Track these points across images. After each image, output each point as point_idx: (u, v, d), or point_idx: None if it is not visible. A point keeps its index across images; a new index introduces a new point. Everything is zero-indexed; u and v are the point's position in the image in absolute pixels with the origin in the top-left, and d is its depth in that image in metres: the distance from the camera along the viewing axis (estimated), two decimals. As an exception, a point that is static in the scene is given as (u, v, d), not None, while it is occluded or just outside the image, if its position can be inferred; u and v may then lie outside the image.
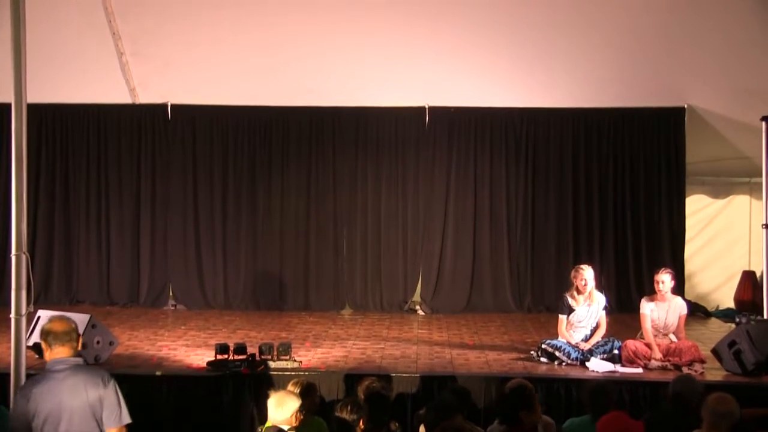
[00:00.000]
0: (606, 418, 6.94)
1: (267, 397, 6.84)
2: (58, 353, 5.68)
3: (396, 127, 14.92)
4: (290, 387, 7.58)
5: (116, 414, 5.66)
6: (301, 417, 6.79)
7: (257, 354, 9.59)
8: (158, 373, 9.37)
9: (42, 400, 5.56)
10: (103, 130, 15.04)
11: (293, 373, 9.27)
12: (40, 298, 14.23)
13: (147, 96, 14.73)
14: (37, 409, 5.54)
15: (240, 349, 9.65)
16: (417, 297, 14.94)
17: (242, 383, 9.27)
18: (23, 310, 7.99)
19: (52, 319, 5.92)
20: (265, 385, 8.95)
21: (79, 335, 5.83)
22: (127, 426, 5.74)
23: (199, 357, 10.21)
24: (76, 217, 15.07)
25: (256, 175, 14.99)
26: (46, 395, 5.57)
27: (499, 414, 6.97)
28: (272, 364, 9.51)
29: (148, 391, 9.08)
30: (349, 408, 6.81)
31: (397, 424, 7.36)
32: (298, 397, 6.84)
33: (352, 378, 9.09)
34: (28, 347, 8.86)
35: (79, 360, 5.75)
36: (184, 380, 9.41)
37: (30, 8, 8.06)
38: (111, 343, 10.01)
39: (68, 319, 5.90)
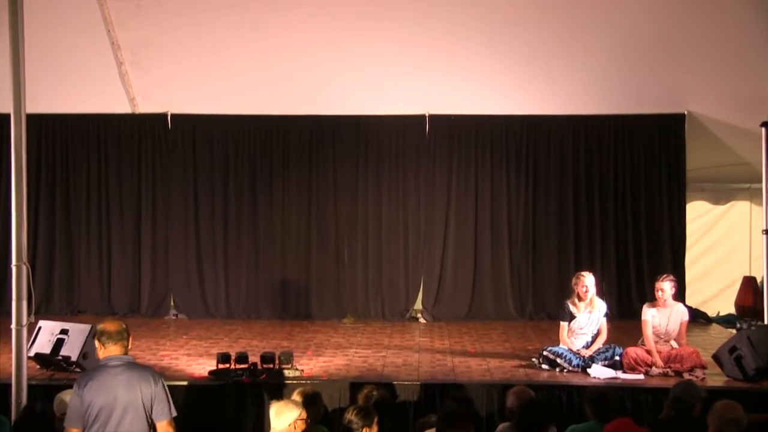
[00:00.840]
0: (612, 425, 6.93)
1: (269, 406, 6.86)
2: (112, 351, 6.18)
3: (396, 135, 14.94)
4: (295, 396, 7.60)
5: (166, 408, 6.19)
6: (304, 426, 6.78)
7: (259, 363, 9.59)
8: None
9: (98, 393, 6.03)
10: (103, 140, 15.06)
11: (295, 381, 9.26)
12: (41, 309, 14.24)
13: (147, 106, 14.76)
14: (92, 401, 6.02)
15: (242, 358, 9.65)
16: (418, 305, 14.93)
17: (244, 392, 9.27)
18: (24, 321, 8.02)
19: (105, 320, 6.48)
20: (267, 394, 8.97)
21: (129, 335, 6.33)
22: (174, 419, 6.26)
23: (201, 366, 10.20)
24: (77, 227, 15.08)
25: (256, 184, 15.00)
26: (103, 389, 6.05)
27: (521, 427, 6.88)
28: (287, 373, 9.52)
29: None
30: (356, 413, 6.80)
31: None
32: (297, 407, 6.83)
33: (355, 386, 9.08)
34: (29, 358, 8.88)
35: (131, 358, 6.31)
36: (186, 390, 9.39)
37: (29, 19, 8.10)
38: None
39: (119, 321, 6.44)
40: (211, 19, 13.08)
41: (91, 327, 9.74)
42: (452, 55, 13.44)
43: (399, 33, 13.11)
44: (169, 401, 6.23)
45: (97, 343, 6.26)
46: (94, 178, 15.07)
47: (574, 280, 10.44)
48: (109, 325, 6.30)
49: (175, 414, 6.26)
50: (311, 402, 7.49)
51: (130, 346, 6.30)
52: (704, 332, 13.45)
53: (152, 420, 6.15)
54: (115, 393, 6.04)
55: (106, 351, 6.20)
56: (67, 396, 7.48)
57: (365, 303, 14.94)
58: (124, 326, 6.28)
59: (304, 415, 6.80)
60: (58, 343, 9.69)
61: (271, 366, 9.56)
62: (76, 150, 15.08)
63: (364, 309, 14.90)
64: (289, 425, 6.69)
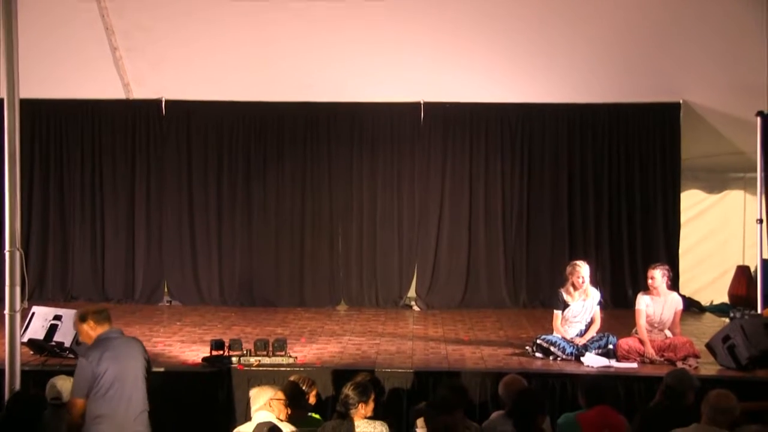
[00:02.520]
0: (591, 413, 6.97)
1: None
2: (106, 326, 6.97)
3: (391, 122, 14.91)
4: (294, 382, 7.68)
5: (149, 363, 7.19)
6: (282, 406, 6.85)
7: (253, 350, 9.59)
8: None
9: (112, 363, 6.77)
10: (97, 125, 15.00)
11: (289, 368, 9.27)
12: (34, 295, 14.33)
13: (141, 92, 14.70)
14: (106, 371, 6.73)
15: (235, 344, 9.65)
16: (412, 293, 14.93)
17: (238, 379, 9.27)
18: (17, 307, 8.02)
19: (84, 307, 7.40)
20: (262, 380, 8.98)
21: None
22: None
23: (195, 353, 10.20)
24: (70, 213, 15.04)
25: (251, 171, 14.97)
26: (116, 359, 6.81)
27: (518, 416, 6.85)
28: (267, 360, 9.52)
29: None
30: (355, 387, 6.83)
31: None
32: (273, 389, 6.91)
33: (347, 374, 9.07)
34: (22, 343, 8.88)
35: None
36: (179, 376, 9.40)
37: (23, 4, 8.06)
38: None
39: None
40: (206, 5, 13.06)
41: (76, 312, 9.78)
42: (447, 43, 13.42)
43: (394, 20, 13.08)
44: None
45: (87, 325, 6.95)
46: (87, 164, 15.02)
47: (569, 269, 10.43)
48: (93, 307, 7.37)
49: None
50: (303, 390, 7.52)
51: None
52: (698, 321, 13.48)
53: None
54: (126, 362, 6.86)
55: (101, 327, 6.94)
56: (59, 381, 7.53)
57: (359, 290, 14.93)
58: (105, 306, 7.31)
59: (280, 395, 6.85)
60: (52, 329, 9.72)
61: (265, 353, 9.56)
62: (70, 136, 15.03)
63: (358, 296, 14.89)
64: (265, 404, 6.74)
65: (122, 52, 13.88)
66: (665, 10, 12.66)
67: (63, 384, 7.55)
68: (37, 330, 9.79)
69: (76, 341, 9.48)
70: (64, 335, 9.62)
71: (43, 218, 15.03)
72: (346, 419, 6.79)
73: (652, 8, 12.65)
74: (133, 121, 14.98)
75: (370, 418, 6.87)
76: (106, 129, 15.01)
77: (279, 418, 6.91)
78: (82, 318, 6.99)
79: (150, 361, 7.23)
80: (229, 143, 14.98)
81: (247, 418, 7.31)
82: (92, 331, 6.93)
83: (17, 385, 8.03)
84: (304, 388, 7.75)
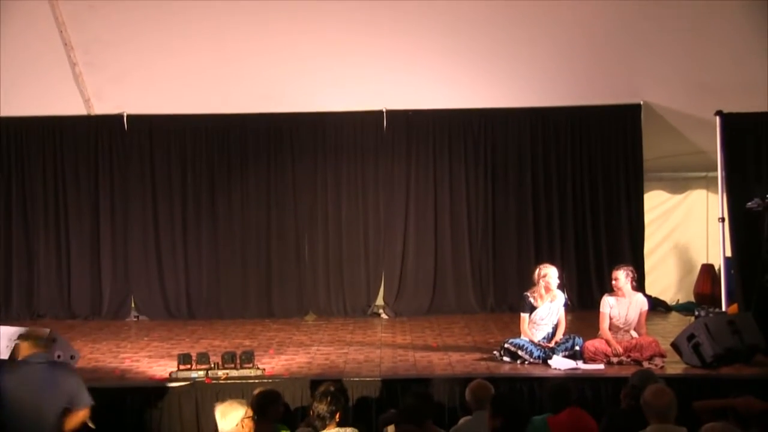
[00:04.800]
0: (561, 415, 7.00)
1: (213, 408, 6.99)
2: (35, 350, 6.80)
3: (354, 131, 14.92)
4: (254, 394, 7.60)
5: (86, 396, 6.83)
6: (252, 424, 6.79)
7: (220, 363, 9.56)
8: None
9: (19, 386, 6.55)
10: (59, 142, 14.91)
11: (257, 380, 9.25)
12: (0, 314, 14.16)
13: (102, 107, 14.61)
14: (12, 393, 6.52)
15: (203, 358, 9.62)
16: (380, 301, 14.93)
17: (205, 393, 9.23)
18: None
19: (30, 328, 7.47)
20: (230, 393, 8.95)
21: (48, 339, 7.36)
22: (92, 408, 6.92)
23: (162, 368, 10.15)
24: (34, 231, 14.91)
25: (215, 184, 14.92)
26: (25, 383, 6.57)
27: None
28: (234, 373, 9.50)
29: (111, 403, 8.98)
30: (328, 399, 6.82)
31: None
32: (242, 405, 6.85)
33: (316, 384, 9.05)
34: (-12, 363, 8.80)
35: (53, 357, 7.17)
36: (146, 392, 9.35)
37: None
38: (72, 357, 9.90)
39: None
40: (164, 17, 13.00)
41: (50, 331, 9.68)
42: (408, 51, 13.44)
43: (354, 30, 13.11)
44: (86, 390, 6.85)
45: (23, 343, 6.86)
46: (50, 181, 14.91)
47: (537, 273, 10.49)
48: (35, 329, 7.46)
49: (92, 403, 6.89)
50: (270, 401, 7.48)
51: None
52: (664, 320, 13.58)
53: (70, 409, 6.71)
54: (36, 387, 6.59)
55: (30, 350, 6.79)
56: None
57: (327, 300, 14.90)
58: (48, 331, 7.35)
59: (250, 413, 6.81)
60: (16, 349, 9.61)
61: (233, 366, 9.54)
62: (32, 153, 14.91)
63: (325, 306, 14.86)
64: (237, 425, 6.69)
65: (81, 67, 13.80)
66: (623, 14, 12.74)
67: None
68: (1, 350, 9.68)
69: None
70: (29, 354, 9.53)
71: (6, 236, 14.88)
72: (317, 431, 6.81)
73: (608, 12, 12.71)
74: (95, 137, 14.88)
75: (340, 425, 6.87)
76: (68, 145, 14.91)
77: None
78: (25, 337, 7.03)
79: (79, 396, 6.79)
80: (192, 156, 14.93)
81: (216, 435, 7.22)
82: (23, 351, 6.87)
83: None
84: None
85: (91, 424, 7.46)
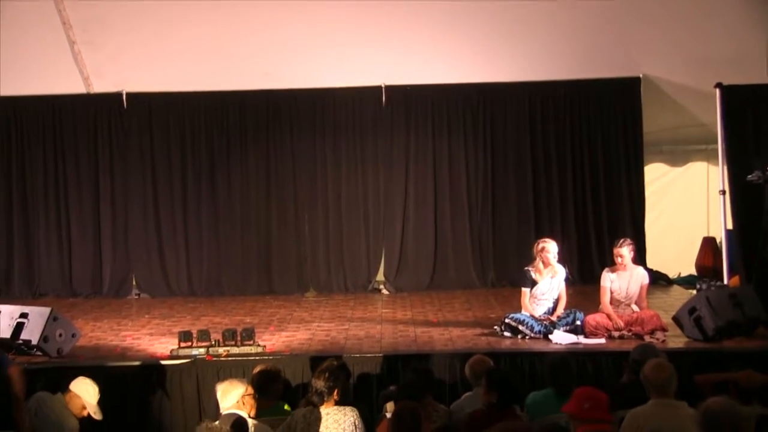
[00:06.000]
0: (579, 393, 6.95)
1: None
2: None
3: (353, 107, 14.88)
4: (255, 372, 7.62)
5: None
6: (252, 401, 6.80)
7: (221, 340, 9.56)
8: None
9: None
10: (58, 121, 14.89)
11: (258, 357, 9.25)
12: (1, 293, 14.22)
13: (101, 85, 14.60)
14: None
15: (203, 335, 9.62)
16: (381, 276, 14.92)
17: (206, 370, 9.24)
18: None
19: None
20: (231, 371, 8.96)
21: None
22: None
23: (163, 345, 10.15)
24: (35, 210, 14.92)
25: (214, 161, 14.90)
26: None
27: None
28: (235, 350, 9.49)
29: (112, 381, 8.99)
30: (326, 375, 6.83)
31: None
32: (242, 383, 6.86)
33: (316, 361, 9.06)
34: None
35: None
36: (147, 369, 9.35)
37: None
38: (73, 335, 9.93)
39: None
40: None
41: (51, 310, 9.72)
42: (406, 26, 13.40)
43: (353, 6, 13.05)
44: None
45: None
46: (50, 160, 14.90)
47: (537, 247, 10.46)
48: None
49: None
50: (270, 380, 7.49)
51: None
52: (665, 294, 13.53)
53: None
54: None
55: None
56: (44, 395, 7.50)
57: (327, 276, 14.90)
58: None
59: (250, 390, 6.82)
60: (18, 327, 9.64)
61: (233, 343, 9.54)
62: (31, 132, 14.90)
63: (326, 282, 14.87)
64: (238, 402, 6.70)
65: (80, 46, 13.78)
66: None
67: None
68: (3, 329, 9.71)
69: (43, 339, 9.45)
70: (31, 333, 9.56)
71: (7, 215, 14.91)
72: (317, 407, 6.81)
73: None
74: (94, 115, 14.86)
75: (339, 403, 6.87)
76: (67, 124, 14.90)
77: (250, 415, 6.87)
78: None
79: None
80: (192, 134, 14.90)
81: (218, 413, 7.21)
82: None
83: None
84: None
85: (96, 416, 7.44)
